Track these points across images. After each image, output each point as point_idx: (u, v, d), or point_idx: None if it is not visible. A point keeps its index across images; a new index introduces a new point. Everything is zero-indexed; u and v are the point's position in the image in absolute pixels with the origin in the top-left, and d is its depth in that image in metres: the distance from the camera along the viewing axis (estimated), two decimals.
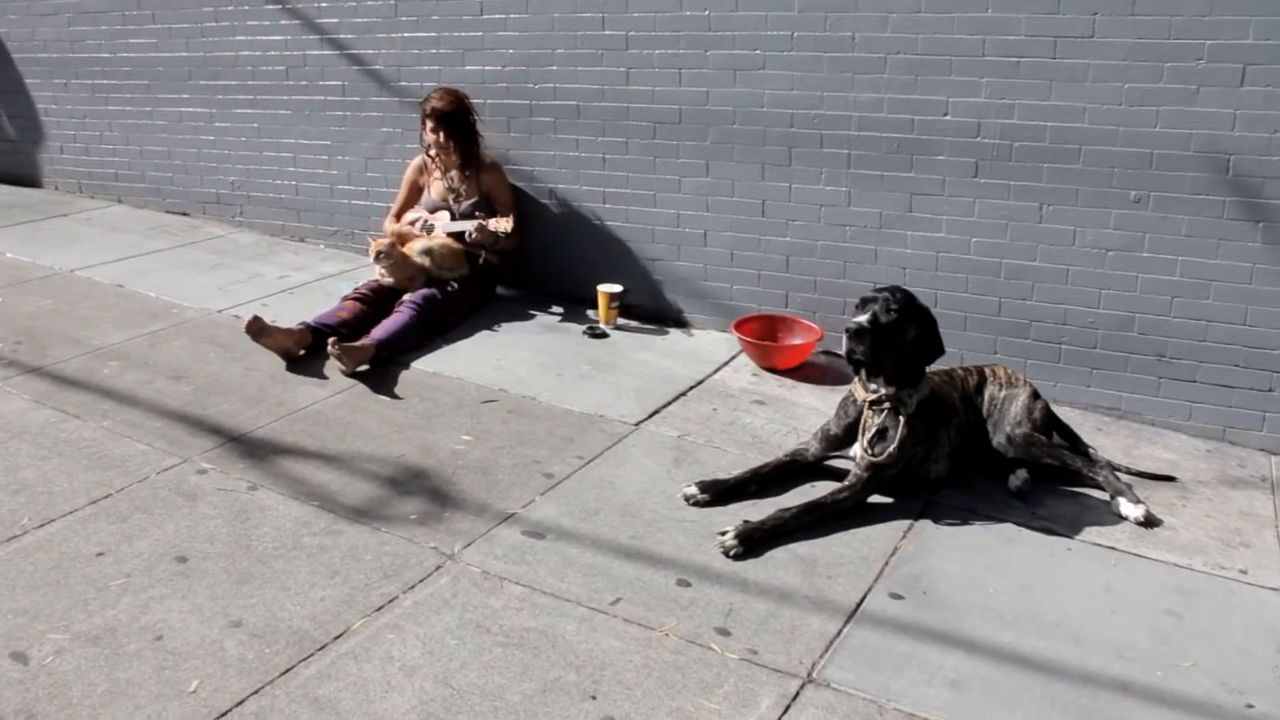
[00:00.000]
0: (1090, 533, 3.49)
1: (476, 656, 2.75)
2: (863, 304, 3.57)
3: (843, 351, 3.56)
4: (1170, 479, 3.89)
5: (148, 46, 6.69)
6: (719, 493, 3.61)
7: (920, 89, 4.45)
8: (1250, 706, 2.72)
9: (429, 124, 5.26)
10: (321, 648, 2.77)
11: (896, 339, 3.52)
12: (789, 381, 4.66)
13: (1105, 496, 3.69)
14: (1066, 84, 4.18)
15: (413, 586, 3.05)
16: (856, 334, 3.48)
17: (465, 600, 3.00)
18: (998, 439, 3.79)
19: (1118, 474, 3.78)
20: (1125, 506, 3.58)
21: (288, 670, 2.68)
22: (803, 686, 2.71)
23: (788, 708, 2.63)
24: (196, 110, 6.61)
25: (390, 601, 2.98)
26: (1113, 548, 3.41)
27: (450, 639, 2.82)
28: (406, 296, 4.97)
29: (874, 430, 3.57)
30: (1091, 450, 3.94)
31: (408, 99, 5.72)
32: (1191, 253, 4.12)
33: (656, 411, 4.25)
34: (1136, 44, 4.04)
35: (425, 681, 2.65)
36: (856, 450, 3.61)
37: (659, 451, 3.93)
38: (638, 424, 4.14)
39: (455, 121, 5.25)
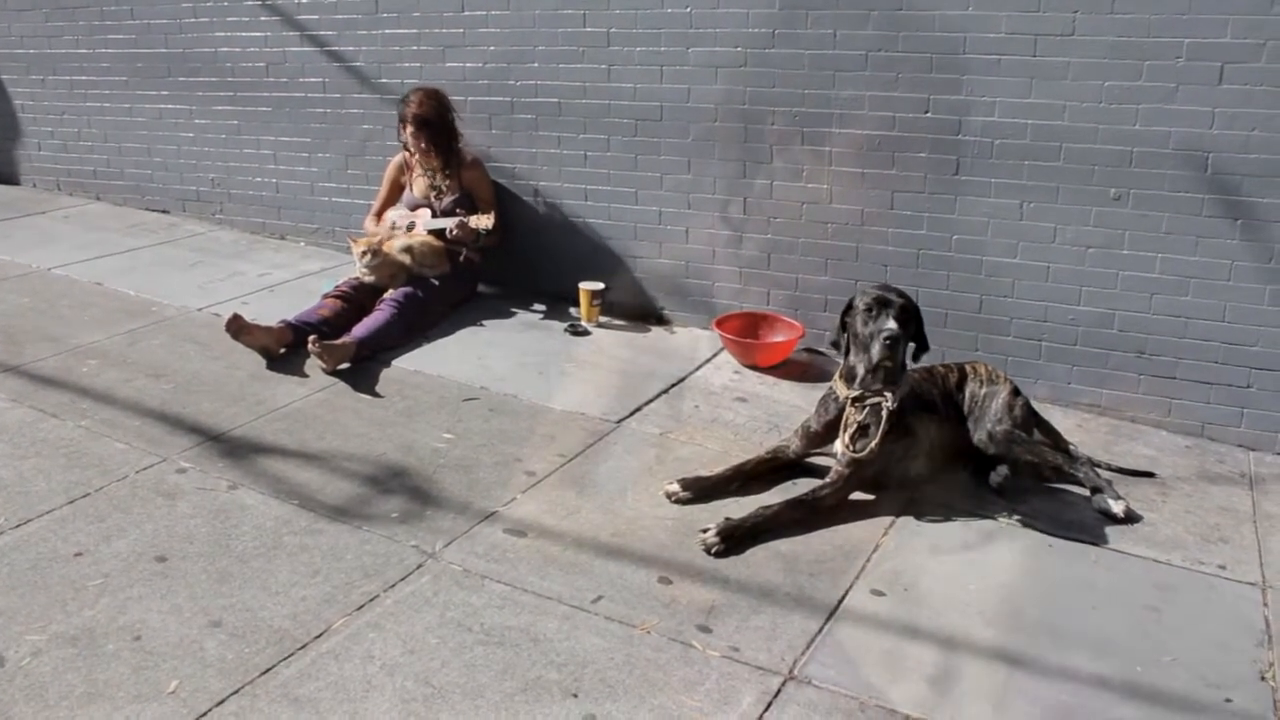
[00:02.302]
0: (1071, 529, 3.51)
1: (458, 655, 2.74)
2: (881, 306, 3.53)
3: (874, 359, 3.50)
4: (1150, 475, 3.91)
5: (126, 42, 6.65)
6: (701, 490, 3.60)
7: (901, 86, 4.46)
8: (1229, 700, 2.73)
9: (410, 129, 5.25)
10: (302, 647, 2.75)
11: (908, 341, 3.56)
12: (770, 379, 4.66)
13: (1086, 493, 3.70)
14: (1047, 82, 4.20)
15: (394, 585, 3.04)
16: (893, 343, 3.47)
17: (446, 599, 2.98)
18: (978, 436, 3.80)
19: (1098, 470, 3.80)
20: (1106, 503, 3.59)
21: (268, 670, 2.66)
22: (784, 684, 2.71)
23: (769, 705, 2.63)
24: (176, 107, 6.57)
25: (371, 600, 2.97)
26: (1093, 544, 3.43)
27: (431, 638, 2.81)
28: (387, 294, 4.95)
29: (855, 427, 3.57)
30: (1072, 447, 3.95)
31: (388, 96, 5.70)
32: (1171, 250, 4.14)
33: (638, 409, 4.24)
34: (1116, 42, 4.06)
35: (406, 680, 2.64)
36: (838, 447, 3.61)
37: (641, 449, 3.93)
38: (619, 421, 4.13)
39: (436, 127, 5.24)
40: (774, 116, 4.76)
